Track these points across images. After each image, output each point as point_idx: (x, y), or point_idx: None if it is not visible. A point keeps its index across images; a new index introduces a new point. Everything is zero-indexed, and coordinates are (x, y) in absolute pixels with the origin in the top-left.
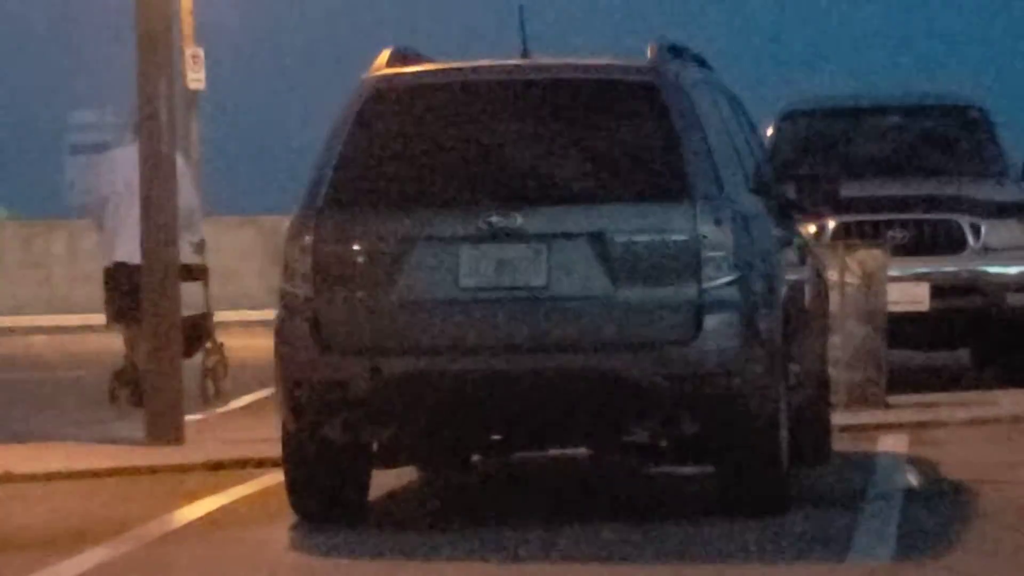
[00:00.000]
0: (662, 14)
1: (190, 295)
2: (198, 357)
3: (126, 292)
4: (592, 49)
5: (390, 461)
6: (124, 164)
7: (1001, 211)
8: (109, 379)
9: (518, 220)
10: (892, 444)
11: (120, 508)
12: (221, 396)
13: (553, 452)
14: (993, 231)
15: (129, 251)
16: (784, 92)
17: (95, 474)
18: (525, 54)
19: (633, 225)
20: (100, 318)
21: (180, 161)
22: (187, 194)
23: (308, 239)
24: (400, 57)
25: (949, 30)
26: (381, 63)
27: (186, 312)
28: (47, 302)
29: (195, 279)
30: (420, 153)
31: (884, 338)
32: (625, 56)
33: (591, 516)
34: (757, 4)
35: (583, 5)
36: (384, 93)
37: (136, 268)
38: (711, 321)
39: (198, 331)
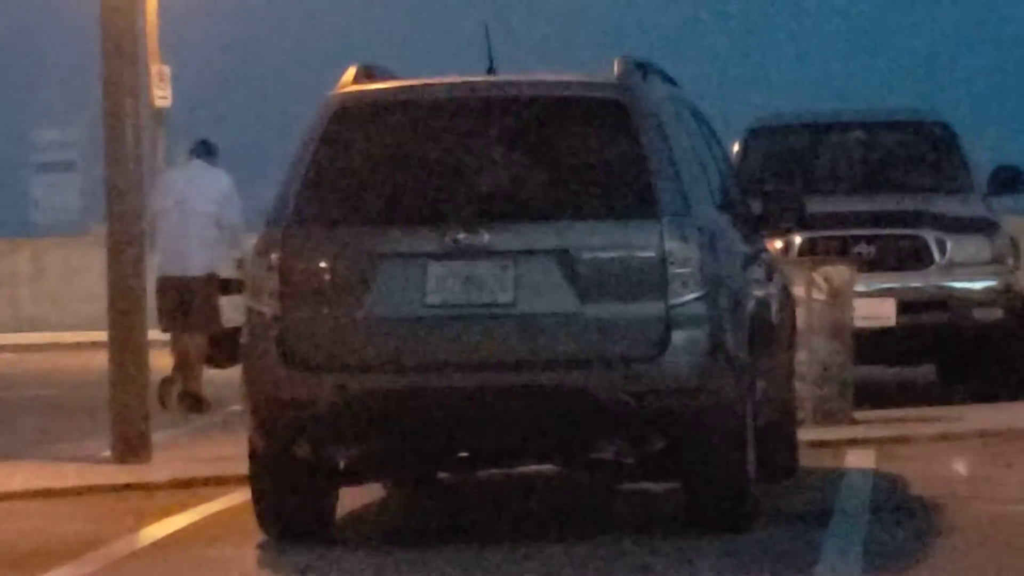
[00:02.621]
0: (628, 31)
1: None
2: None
3: (173, 303)
4: (558, 66)
5: (357, 479)
6: (177, 183)
7: (966, 226)
8: (158, 386)
9: (485, 237)
10: (859, 460)
11: (86, 527)
12: None
13: (520, 469)
14: (959, 246)
15: (179, 265)
16: (751, 108)
17: (61, 493)
18: (491, 71)
19: (600, 242)
20: (65, 336)
21: (227, 180)
22: (234, 211)
23: (275, 256)
24: (366, 74)
25: (915, 46)
26: (347, 80)
27: (222, 325)
28: (13, 321)
29: (235, 292)
30: (387, 170)
31: (851, 354)
32: (591, 73)
33: (559, 533)
34: (724, 21)
35: (549, 22)
36: (350, 110)
37: (182, 280)
38: (678, 337)
39: (238, 342)
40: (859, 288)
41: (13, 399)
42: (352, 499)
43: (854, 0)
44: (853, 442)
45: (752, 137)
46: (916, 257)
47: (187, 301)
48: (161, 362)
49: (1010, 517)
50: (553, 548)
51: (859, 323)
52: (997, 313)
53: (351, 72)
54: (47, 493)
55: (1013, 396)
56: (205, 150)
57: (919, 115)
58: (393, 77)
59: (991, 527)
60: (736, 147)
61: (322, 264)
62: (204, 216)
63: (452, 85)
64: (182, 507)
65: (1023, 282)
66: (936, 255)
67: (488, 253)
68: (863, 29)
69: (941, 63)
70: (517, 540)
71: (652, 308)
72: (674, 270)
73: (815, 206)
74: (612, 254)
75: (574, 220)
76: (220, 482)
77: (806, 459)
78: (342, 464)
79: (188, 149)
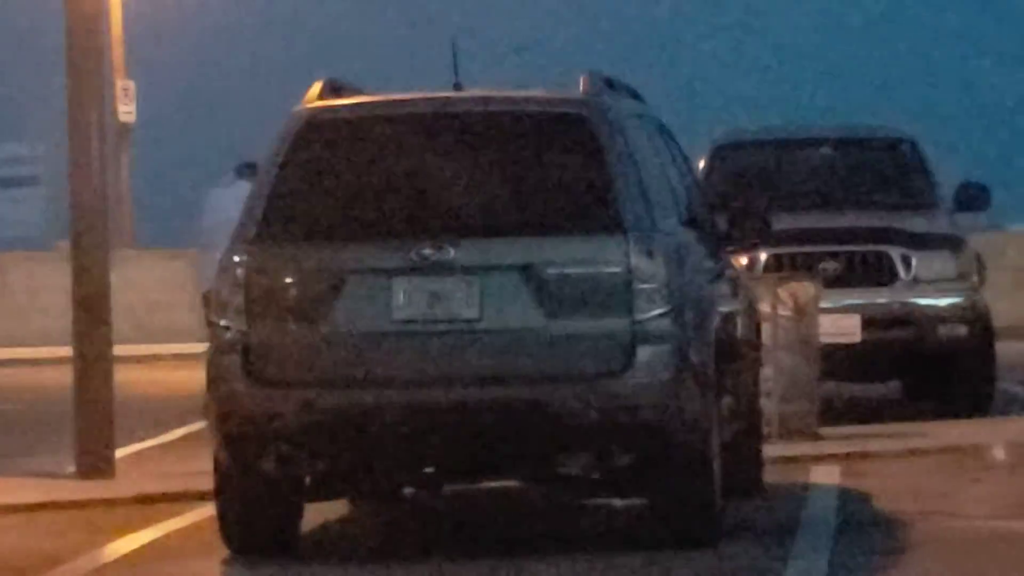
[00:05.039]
0: (596, 47)
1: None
2: None
3: None
4: (525, 81)
5: (323, 494)
6: (224, 202)
7: (931, 243)
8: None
9: (451, 253)
10: (824, 475)
11: (50, 543)
12: None
13: (486, 484)
14: (924, 263)
15: None
16: (717, 124)
17: (25, 508)
18: (457, 87)
19: (565, 257)
20: (29, 351)
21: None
22: None
23: (240, 272)
24: (332, 89)
25: (881, 63)
26: (313, 95)
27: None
28: None
29: None
30: (353, 185)
31: (816, 370)
32: (557, 89)
33: (522, 549)
34: (691, 37)
35: (516, 38)
36: (316, 125)
37: None
38: (643, 353)
39: None
40: (824, 304)
41: None
42: (317, 515)
43: (821, 14)
44: (818, 458)
45: (719, 153)
46: (881, 274)
47: None
48: (126, 376)
49: (975, 533)
50: (516, 565)
51: (825, 339)
52: (962, 330)
53: (317, 87)
54: (11, 509)
55: (977, 412)
56: (249, 170)
57: (885, 132)
58: (359, 92)
59: (956, 543)
60: (702, 163)
61: (288, 280)
62: None
63: (418, 101)
64: (147, 523)
65: (988, 299)
66: (901, 272)
67: (454, 269)
68: (830, 44)
69: (908, 79)
70: (481, 557)
71: (617, 323)
72: (639, 286)
73: (781, 222)
74: (577, 270)
75: (540, 236)
76: (185, 498)
77: (772, 475)
78: (307, 480)
79: (233, 169)
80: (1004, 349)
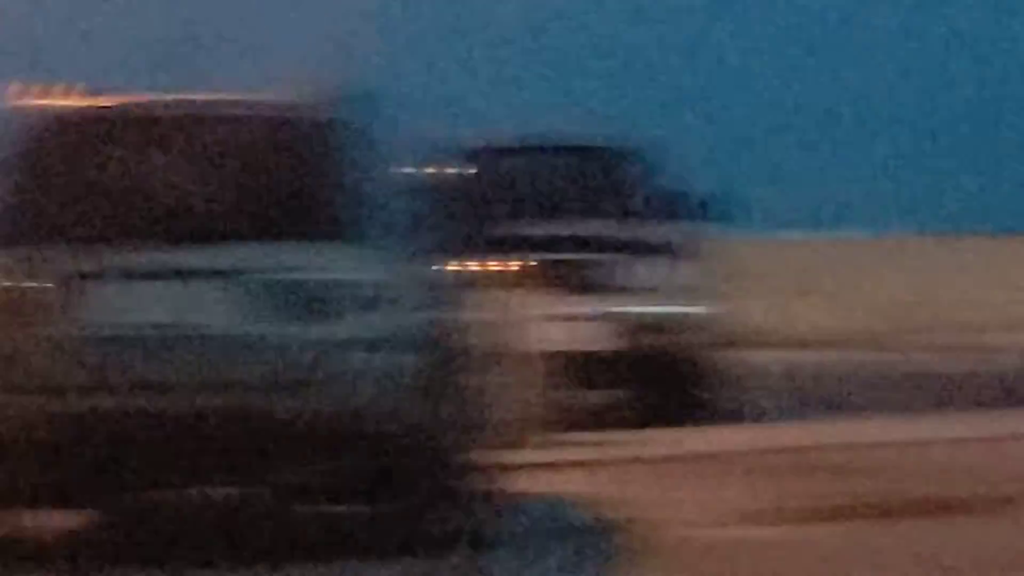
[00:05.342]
0: (337, 51)
1: None
2: None
3: None
4: (259, 84)
5: (44, 503)
6: None
7: (664, 252)
8: None
9: (172, 257)
10: (546, 483)
11: None
12: None
13: (208, 491)
14: (656, 272)
15: None
16: (462, 131)
17: None
18: (189, 91)
19: (288, 264)
20: None
21: None
22: None
23: None
24: (54, 89)
25: (614, 69)
26: (42, 95)
27: None
28: None
29: None
30: (77, 188)
31: (542, 377)
32: (284, 91)
33: (242, 557)
34: (435, 42)
35: (249, 40)
36: (49, 126)
37: None
38: (364, 361)
39: None
40: (553, 311)
41: None
42: (40, 524)
43: (572, 21)
44: (547, 465)
45: (462, 159)
46: (613, 282)
47: None
48: None
49: (699, 541)
50: (231, 573)
51: (551, 347)
52: (691, 338)
53: (45, 87)
54: None
55: (704, 421)
56: None
57: (622, 141)
58: (93, 93)
59: (679, 551)
60: (441, 169)
61: (18, 284)
62: None
63: (143, 103)
64: None
65: (718, 307)
66: (634, 280)
67: (175, 274)
68: (574, 50)
69: (650, 88)
70: (203, 566)
71: (339, 331)
72: (360, 293)
73: (508, 230)
74: (300, 276)
75: (264, 241)
76: None
77: (499, 482)
78: (29, 489)
79: None
80: (755, 358)
